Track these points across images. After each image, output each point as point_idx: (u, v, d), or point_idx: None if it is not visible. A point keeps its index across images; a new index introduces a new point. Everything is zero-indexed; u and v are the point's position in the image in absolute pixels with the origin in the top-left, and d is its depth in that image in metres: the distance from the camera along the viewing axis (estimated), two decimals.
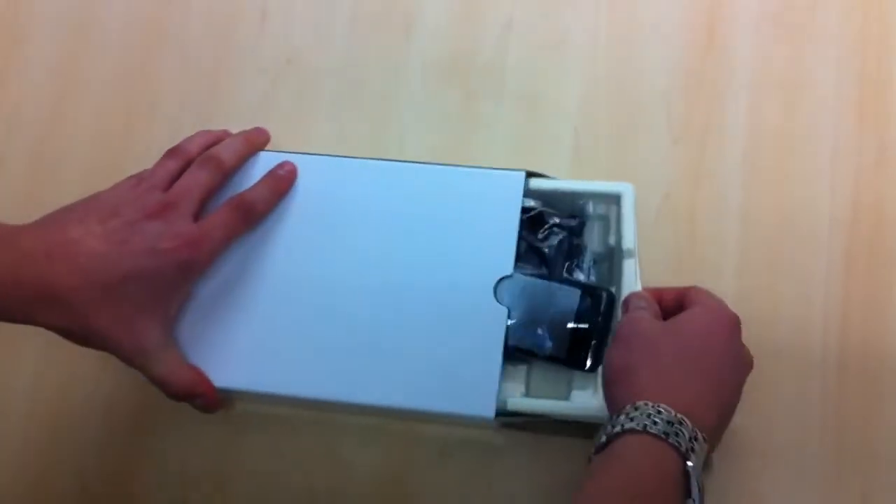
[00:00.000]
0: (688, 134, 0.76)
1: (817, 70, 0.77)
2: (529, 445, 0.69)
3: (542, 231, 0.70)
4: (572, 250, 0.70)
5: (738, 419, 0.63)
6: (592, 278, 0.70)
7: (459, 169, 0.70)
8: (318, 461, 0.70)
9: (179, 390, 0.64)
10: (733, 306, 0.64)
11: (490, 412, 0.64)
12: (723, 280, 0.71)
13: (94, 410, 0.72)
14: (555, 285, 0.67)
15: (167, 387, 0.64)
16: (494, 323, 0.65)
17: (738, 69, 0.77)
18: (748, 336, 0.62)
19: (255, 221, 0.69)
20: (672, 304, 0.62)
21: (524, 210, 0.69)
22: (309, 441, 0.70)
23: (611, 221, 0.70)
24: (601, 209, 0.71)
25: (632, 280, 0.66)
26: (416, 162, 0.71)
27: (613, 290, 0.67)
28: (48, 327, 0.61)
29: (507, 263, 0.67)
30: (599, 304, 0.67)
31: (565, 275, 0.69)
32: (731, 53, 0.78)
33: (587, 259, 0.70)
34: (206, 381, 0.65)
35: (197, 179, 0.66)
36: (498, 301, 0.66)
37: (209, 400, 0.66)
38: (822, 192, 0.74)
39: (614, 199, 0.69)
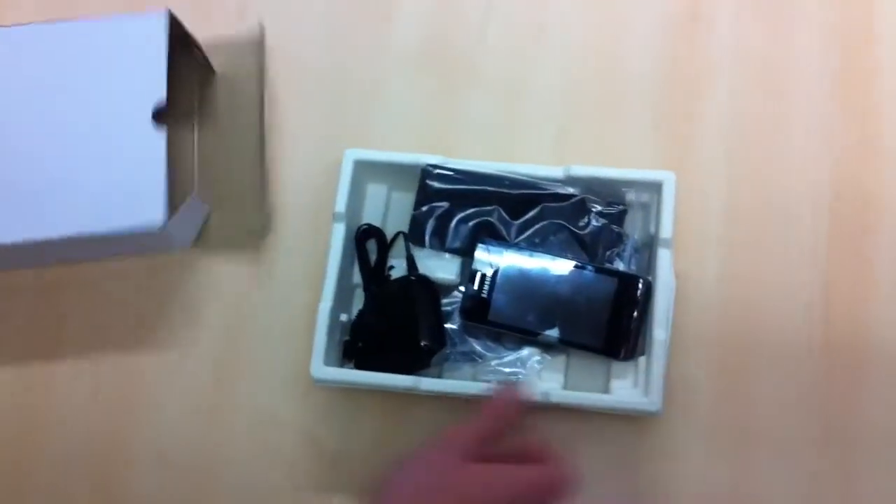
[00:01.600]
0: (669, 119, 0.75)
1: (798, 54, 0.76)
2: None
3: (583, 218, 0.70)
4: (613, 238, 0.69)
5: (724, 402, 0.67)
6: (633, 267, 0.69)
7: (104, 20, 0.75)
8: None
9: None
10: (717, 291, 0.69)
11: (159, 216, 0.67)
12: (705, 266, 0.71)
13: None
14: (591, 274, 0.67)
15: None
16: (155, 144, 0.70)
17: (719, 54, 0.77)
18: (733, 318, 0.68)
19: None
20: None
21: (566, 197, 0.70)
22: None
23: (652, 210, 0.70)
24: (644, 197, 0.70)
25: (666, 270, 0.66)
26: (60, 21, 0.75)
27: (651, 278, 0.67)
28: None
29: (160, 93, 0.70)
30: (636, 292, 0.66)
31: (606, 263, 0.69)
32: (712, 39, 0.77)
33: (628, 248, 0.69)
34: None
35: None
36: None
37: None
38: (803, 175, 0.73)
39: (656, 188, 0.69)
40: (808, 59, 0.76)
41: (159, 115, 0.70)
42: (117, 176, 0.70)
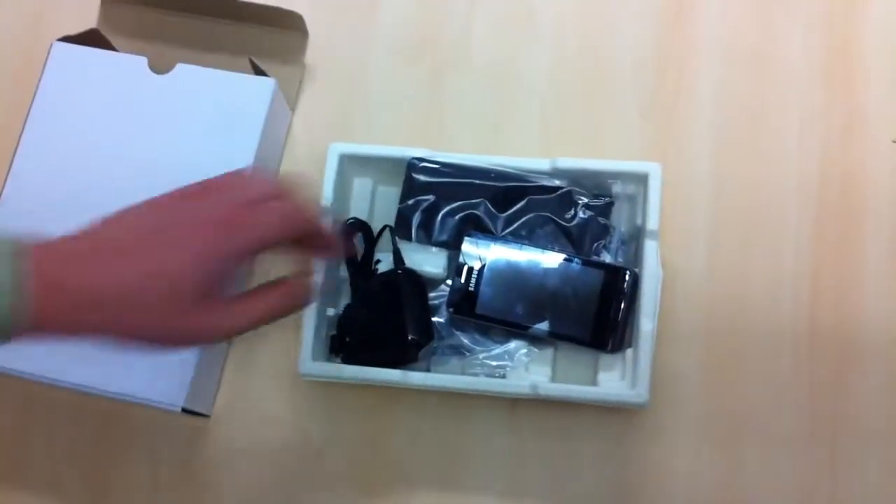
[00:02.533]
0: (656, 107, 0.76)
1: (785, 40, 0.76)
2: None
3: (569, 210, 0.70)
4: (599, 230, 0.69)
5: (712, 392, 0.68)
6: (620, 259, 0.69)
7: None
8: None
9: None
10: (704, 282, 0.69)
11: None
12: (692, 257, 0.71)
13: None
14: (578, 267, 0.67)
15: None
16: None
17: (705, 42, 0.77)
18: (720, 309, 0.69)
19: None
20: None
21: (552, 189, 0.69)
22: None
23: (638, 202, 0.69)
24: (630, 189, 0.70)
25: (653, 261, 0.66)
26: None
27: (637, 270, 0.67)
28: None
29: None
30: (623, 284, 0.66)
31: (593, 255, 0.69)
32: (699, 26, 0.77)
33: (615, 239, 0.69)
34: None
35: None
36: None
37: None
38: (790, 165, 0.73)
39: (642, 179, 0.68)
40: (794, 48, 0.76)
41: None
42: None
